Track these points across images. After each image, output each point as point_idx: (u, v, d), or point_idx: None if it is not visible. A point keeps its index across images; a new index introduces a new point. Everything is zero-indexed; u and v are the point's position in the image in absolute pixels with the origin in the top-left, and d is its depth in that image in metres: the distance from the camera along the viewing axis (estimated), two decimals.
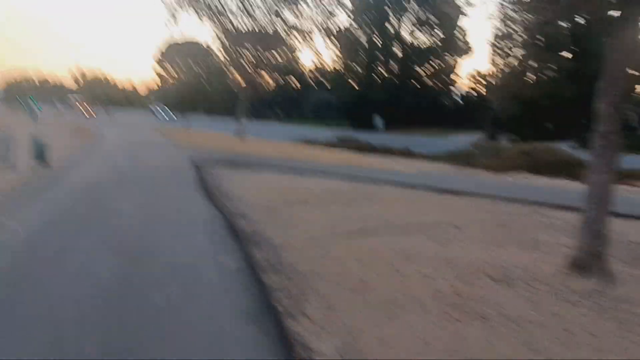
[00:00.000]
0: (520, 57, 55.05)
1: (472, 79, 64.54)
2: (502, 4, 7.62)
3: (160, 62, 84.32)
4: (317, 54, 30.71)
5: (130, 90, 58.17)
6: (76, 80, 65.78)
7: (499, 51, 55.04)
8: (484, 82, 63.16)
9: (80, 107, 61.58)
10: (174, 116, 58.51)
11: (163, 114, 61.62)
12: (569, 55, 53.52)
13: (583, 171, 17.31)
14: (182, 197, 10.28)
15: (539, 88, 52.24)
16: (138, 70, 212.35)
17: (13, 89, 67.22)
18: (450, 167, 19.29)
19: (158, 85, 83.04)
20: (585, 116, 53.65)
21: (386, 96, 60.21)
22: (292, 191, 11.03)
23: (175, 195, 10.40)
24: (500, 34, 55.03)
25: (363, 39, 63.01)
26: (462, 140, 52.39)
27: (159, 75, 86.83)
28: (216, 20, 27.99)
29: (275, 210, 8.97)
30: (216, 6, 27.45)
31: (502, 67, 55.50)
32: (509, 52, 55.35)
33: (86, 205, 9.21)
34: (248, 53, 30.14)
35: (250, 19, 28.09)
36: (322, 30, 28.57)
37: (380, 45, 63.39)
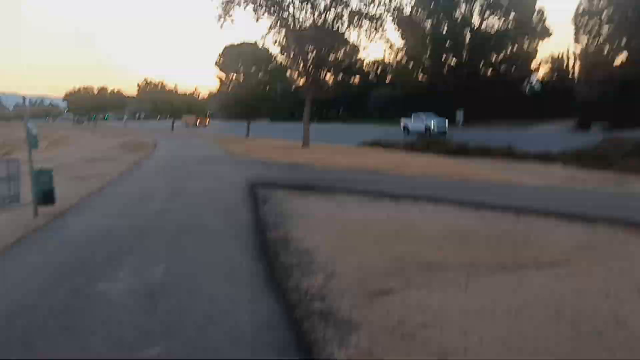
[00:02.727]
0: (609, 35, 48.43)
1: (553, 63, 57.92)
2: None
3: (220, 67, 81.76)
4: (384, 42, 25.67)
5: (192, 97, 55.77)
6: (139, 90, 64.23)
7: (584, 29, 48.61)
8: (568, 66, 56.58)
9: (189, 121, 68.47)
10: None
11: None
12: None
13: None
14: (223, 266, 6.28)
15: (632, 68, 45.52)
16: (201, 78, 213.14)
17: (73, 99, 66.76)
18: (582, 171, 14.60)
19: (219, 91, 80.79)
20: None
21: (458, 88, 54.86)
22: (402, 239, 6.93)
23: (213, 264, 6.42)
24: (584, 9, 48.67)
25: (429, 27, 57.75)
26: (549, 130, 46.51)
27: (220, 81, 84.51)
28: (274, 14, 24.28)
29: (392, 293, 4.89)
30: None
31: (588, 47, 48.98)
32: (597, 30, 48.83)
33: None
34: (309, 51, 26.32)
35: (310, 9, 24.23)
36: (387, 16, 24.37)
37: (448, 33, 58.07)
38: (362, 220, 8.17)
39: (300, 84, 39.07)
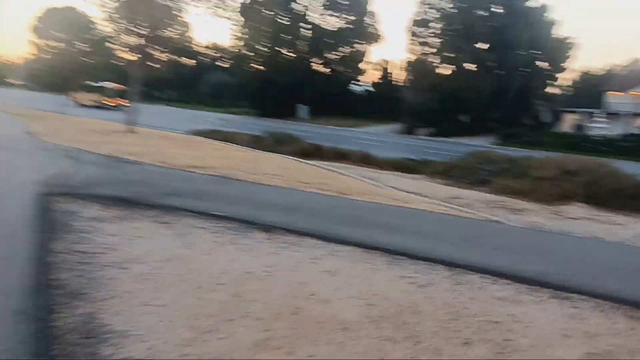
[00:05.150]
0: (438, 47, 50.53)
1: (383, 67, 59.23)
2: None
3: (36, 31, 69.92)
4: (231, 22, 22.16)
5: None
6: None
7: (416, 39, 50.00)
8: (398, 72, 58.25)
9: (80, 99, 42.60)
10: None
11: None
12: (486, 47, 49.86)
13: None
14: None
15: (456, 80, 48.06)
16: (12, 40, 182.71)
17: None
18: (457, 187, 12.93)
19: (33, 58, 69.02)
20: (504, 111, 50.27)
21: (294, 80, 53.25)
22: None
23: None
24: (417, 20, 50.07)
25: (268, 17, 55.02)
26: (379, 132, 46.97)
27: (36, 47, 72.45)
28: None
29: None
30: None
31: (418, 56, 50.52)
32: (426, 40, 50.59)
33: None
34: (139, 24, 21.76)
35: None
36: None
37: (287, 25, 56.00)
38: (231, 277, 4.88)
39: (126, 58, 33.58)
